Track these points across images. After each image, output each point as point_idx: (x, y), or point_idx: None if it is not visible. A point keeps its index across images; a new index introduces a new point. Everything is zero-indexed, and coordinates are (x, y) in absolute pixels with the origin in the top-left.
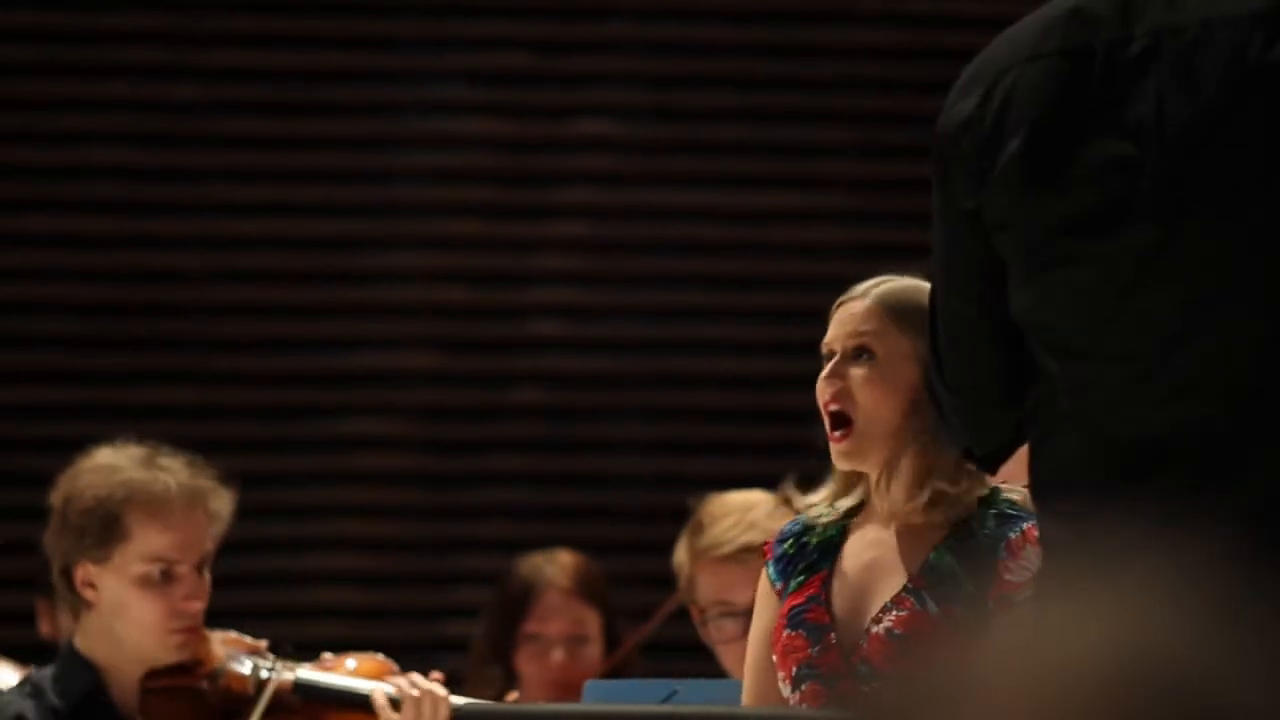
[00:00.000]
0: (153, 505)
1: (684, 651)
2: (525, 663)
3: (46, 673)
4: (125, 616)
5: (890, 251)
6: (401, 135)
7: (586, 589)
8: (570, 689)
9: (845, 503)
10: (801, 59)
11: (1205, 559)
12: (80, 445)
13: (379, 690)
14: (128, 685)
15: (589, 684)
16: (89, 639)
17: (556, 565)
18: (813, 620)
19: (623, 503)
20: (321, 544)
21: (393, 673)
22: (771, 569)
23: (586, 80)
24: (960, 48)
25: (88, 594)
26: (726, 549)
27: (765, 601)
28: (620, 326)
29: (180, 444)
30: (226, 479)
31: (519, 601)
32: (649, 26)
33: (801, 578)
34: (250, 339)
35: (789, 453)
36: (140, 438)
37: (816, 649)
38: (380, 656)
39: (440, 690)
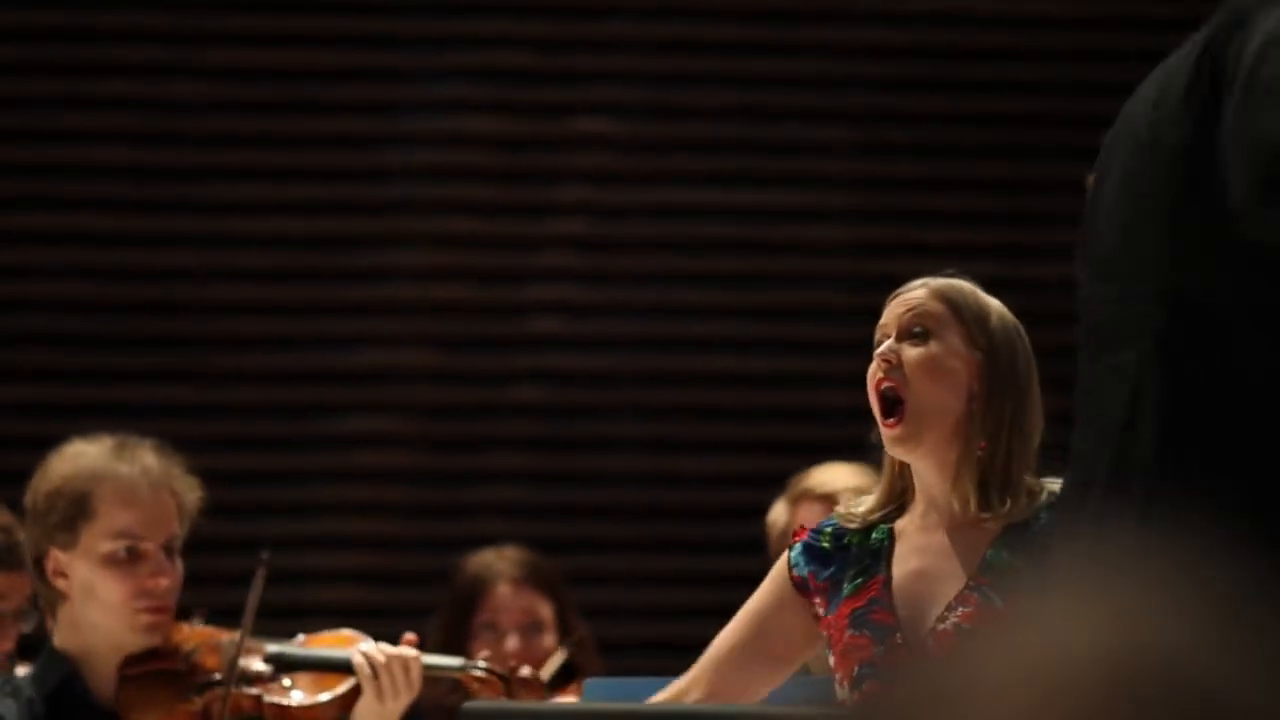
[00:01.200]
0: (118, 483)
1: (685, 651)
2: (480, 652)
3: (26, 673)
4: (95, 599)
5: (890, 250)
6: (402, 133)
7: (537, 578)
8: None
9: (866, 505)
10: (801, 58)
11: (1206, 556)
12: None
13: (357, 654)
14: (104, 675)
15: (588, 683)
16: (64, 633)
17: (505, 560)
18: (878, 621)
19: (621, 501)
20: (322, 542)
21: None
22: (796, 553)
23: (587, 78)
24: (959, 47)
25: (60, 584)
26: (831, 486)
27: (775, 580)
28: (619, 324)
29: (180, 443)
30: (226, 477)
31: (469, 597)
32: (649, 25)
33: (859, 580)
34: (250, 337)
35: (788, 451)
36: (138, 436)
37: (881, 649)
38: (349, 631)
39: (409, 651)
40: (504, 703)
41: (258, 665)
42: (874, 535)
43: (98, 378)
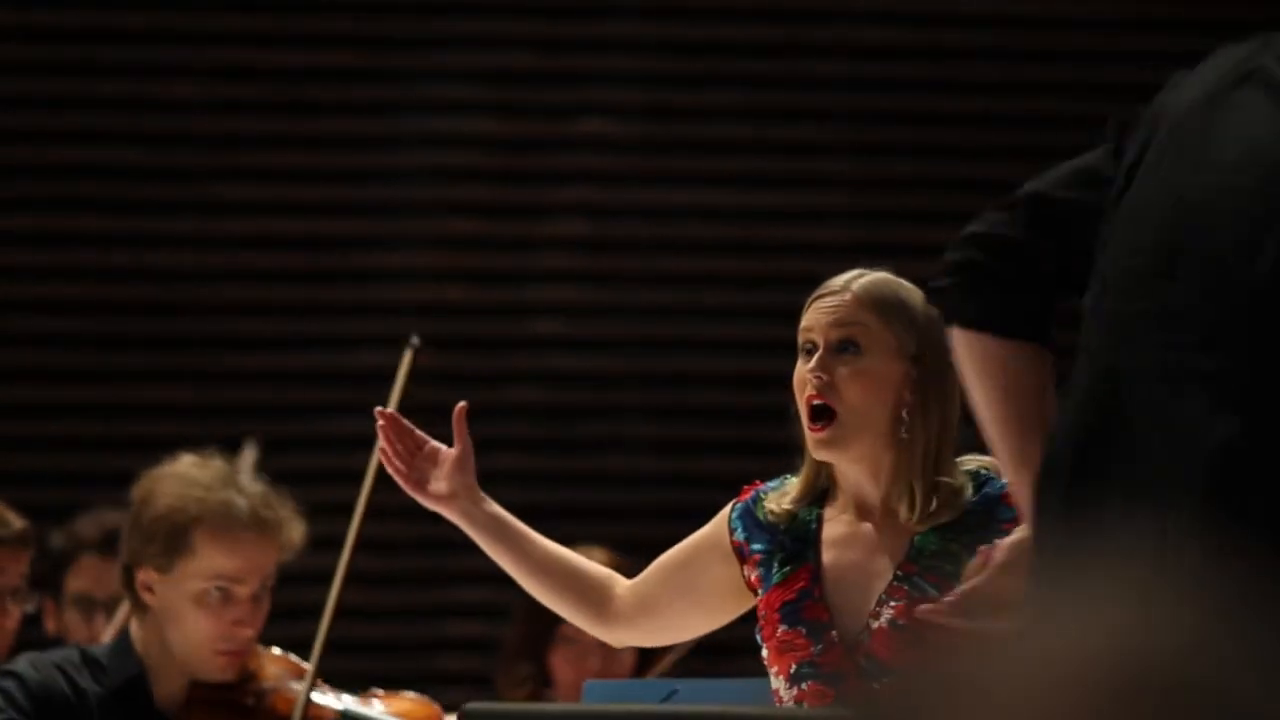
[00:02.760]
0: (222, 527)
1: (686, 651)
2: (560, 664)
3: (101, 650)
4: (178, 628)
5: (890, 251)
6: (402, 134)
7: None
8: None
9: (790, 498)
10: (801, 58)
11: (1210, 558)
12: (80, 443)
13: None
14: (170, 685)
15: (588, 684)
16: (142, 635)
17: None
18: (812, 618)
19: (622, 502)
20: (322, 543)
21: (438, 717)
22: (736, 516)
23: (586, 79)
24: (959, 47)
25: (146, 597)
26: None
27: (714, 534)
28: (619, 325)
29: (179, 443)
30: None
31: None
32: (649, 26)
33: (787, 568)
34: (250, 337)
35: (789, 452)
36: (141, 436)
37: (818, 648)
38: (427, 699)
39: None
40: (504, 703)
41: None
42: (800, 515)
43: (97, 378)
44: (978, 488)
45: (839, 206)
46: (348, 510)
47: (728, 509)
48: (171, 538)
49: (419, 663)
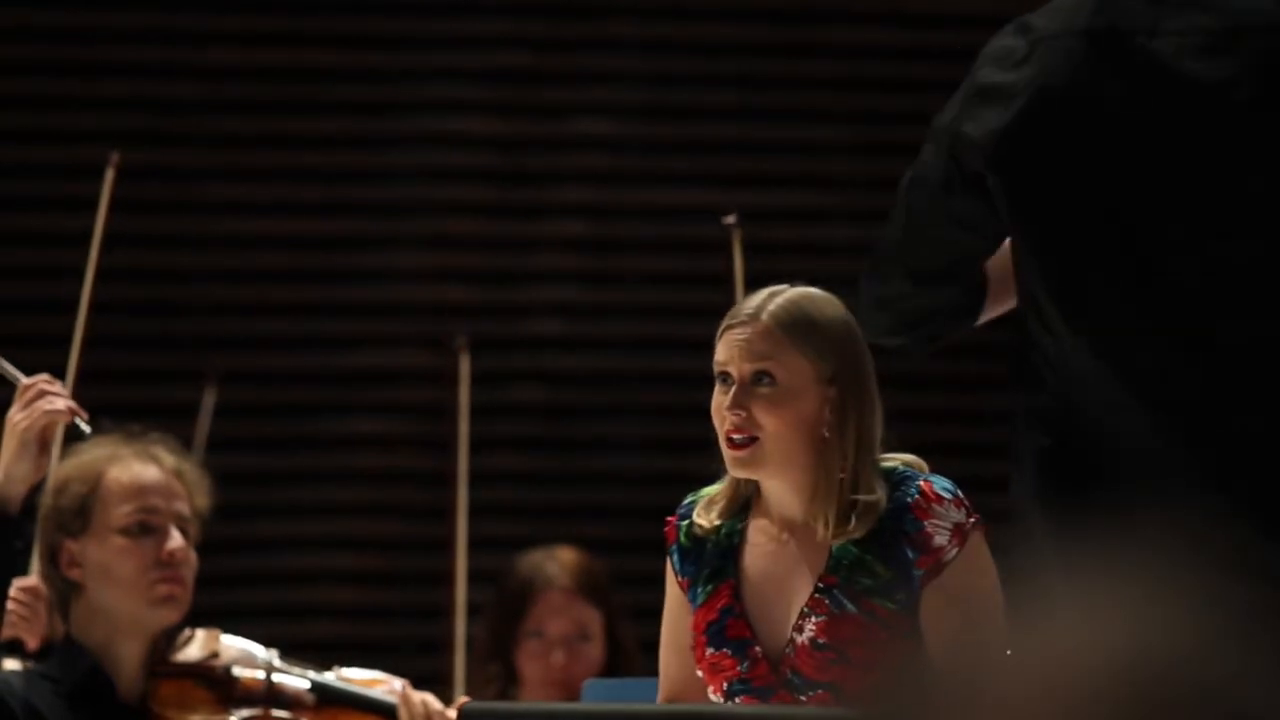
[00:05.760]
0: (129, 462)
1: None
2: (526, 662)
3: (45, 665)
4: (110, 578)
5: None
6: (401, 134)
7: (587, 587)
8: (571, 688)
9: (715, 512)
10: (802, 59)
11: (1220, 563)
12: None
13: (404, 708)
14: (127, 667)
15: (588, 683)
16: (82, 625)
17: (557, 563)
18: (735, 637)
19: (622, 501)
20: (322, 543)
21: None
22: (676, 558)
23: (586, 79)
24: (960, 47)
25: (74, 574)
26: None
27: (671, 590)
28: (619, 325)
29: (180, 443)
30: (226, 477)
31: (519, 600)
32: (649, 25)
33: (709, 586)
34: (250, 338)
35: None
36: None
37: (745, 665)
38: (380, 674)
39: (452, 714)
40: (501, 704)
41: (301, 689)
42: (725, 530)
43: (96, 378)
44: (891, 491)
45: (839, 206)
46: (348, 510)
47: (668, 558)
48: (83, 499)
49: (419, 663)
